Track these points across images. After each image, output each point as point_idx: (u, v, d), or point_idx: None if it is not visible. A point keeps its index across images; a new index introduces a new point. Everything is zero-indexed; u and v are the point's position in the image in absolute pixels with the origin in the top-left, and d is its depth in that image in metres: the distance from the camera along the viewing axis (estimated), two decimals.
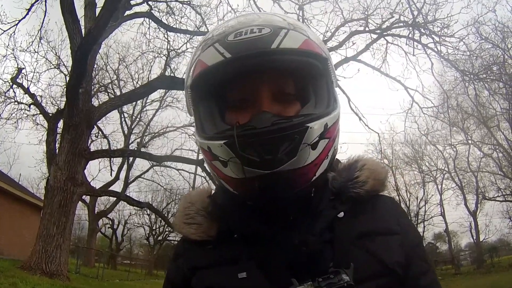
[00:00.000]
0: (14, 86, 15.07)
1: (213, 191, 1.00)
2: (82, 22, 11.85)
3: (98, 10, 11.15)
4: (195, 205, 0.95)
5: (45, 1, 13.77)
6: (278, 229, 0.85)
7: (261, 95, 0.83)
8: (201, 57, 0.86)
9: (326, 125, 0.82)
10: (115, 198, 25.33)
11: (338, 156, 0.97)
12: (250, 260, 0.83)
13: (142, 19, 14.96)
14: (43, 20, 14.40)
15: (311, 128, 0.78)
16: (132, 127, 28.24)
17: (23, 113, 16.57)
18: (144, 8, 14.77)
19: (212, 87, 0.87)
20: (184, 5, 15.03)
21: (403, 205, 32.37)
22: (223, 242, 0.88)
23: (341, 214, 0.87)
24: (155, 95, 23.11)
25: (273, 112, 0.81)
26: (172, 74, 15.18)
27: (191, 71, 0.90)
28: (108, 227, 35.79)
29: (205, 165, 0.92)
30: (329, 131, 0.83)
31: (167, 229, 36.62)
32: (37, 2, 13.75)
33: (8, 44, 15.09)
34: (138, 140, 28.31)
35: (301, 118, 0.80)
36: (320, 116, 0.81)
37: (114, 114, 24.68)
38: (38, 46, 15.86)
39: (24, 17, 13.94)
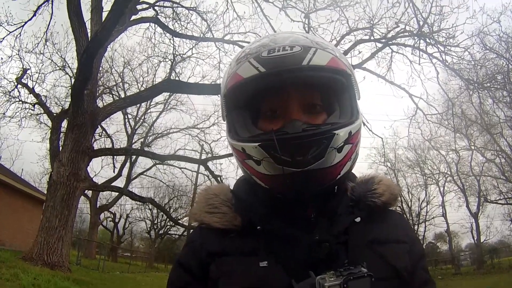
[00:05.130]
0: (19, 86, 15.20)
1: (231, 187, 1.07)
2: (88, 26, 11.87)
3: (104, 14, 11.19)
4: (219, 196, 1.01)
5: (52, 4, 13.85)
6: (299, 227, 0.92)
7: (292, 106, 0.93)
8: (237, 71, 0.94)
9: (350, 132, 0.91)
10: (117, 193, 25.50)
11: None
12: (270, 253, 0.90)
13: (148, 24, 14.96)
14: (49, 23, 14.52)
15: (337, 134, 0.88)
16: (136, 128, 28.31)
17: (27, 112, 16.79)
18: (150, 13, 14.81)
19: (246, 97, 0.95)
20: (190, 11, 15.06)
21: (404, 206, 32.46)
22: (245, 233, 0.94)
23: (358, 219, 0.96)
24: (160, 97, 22.79)
25: (302, 120, 0.91)
26: (177, 78, 15.17)
27: (227, 82, 0.98)
28: (110, 221, 35.98)
29: (237, 162, 1.00)
30: (353, 137, 0.93)
31: (168, 223, 36.91)
32: (43, 5, 13.83)
33: (14, 45, 15.18)
34: (142, 140, 28.31)
35: (329, 126, 0.90)
36: (345, 125, 0.91)
37: (118, 115, 24.90)
38: (44, 48, 15.65)
39: (30, 19, 14.03)
